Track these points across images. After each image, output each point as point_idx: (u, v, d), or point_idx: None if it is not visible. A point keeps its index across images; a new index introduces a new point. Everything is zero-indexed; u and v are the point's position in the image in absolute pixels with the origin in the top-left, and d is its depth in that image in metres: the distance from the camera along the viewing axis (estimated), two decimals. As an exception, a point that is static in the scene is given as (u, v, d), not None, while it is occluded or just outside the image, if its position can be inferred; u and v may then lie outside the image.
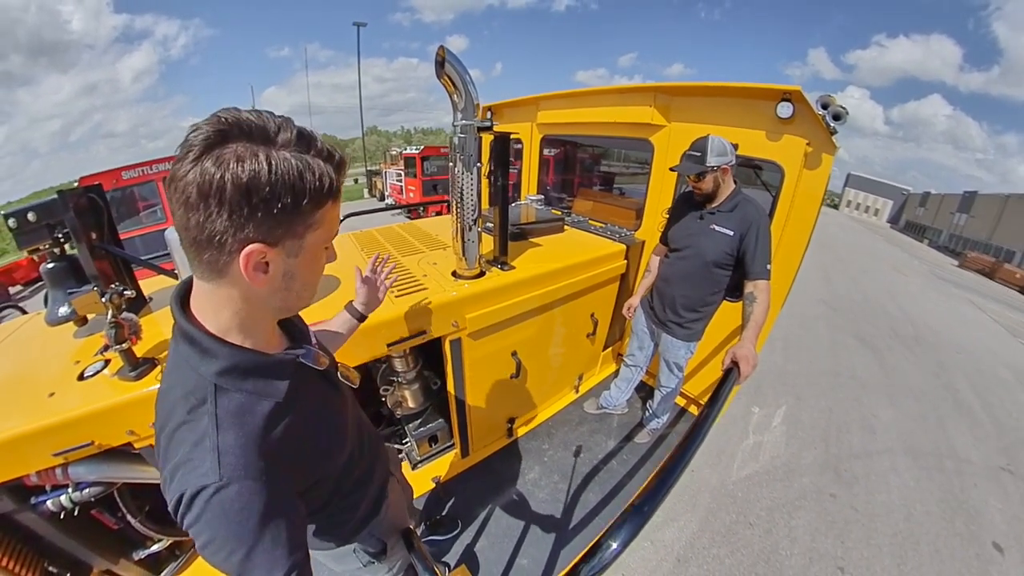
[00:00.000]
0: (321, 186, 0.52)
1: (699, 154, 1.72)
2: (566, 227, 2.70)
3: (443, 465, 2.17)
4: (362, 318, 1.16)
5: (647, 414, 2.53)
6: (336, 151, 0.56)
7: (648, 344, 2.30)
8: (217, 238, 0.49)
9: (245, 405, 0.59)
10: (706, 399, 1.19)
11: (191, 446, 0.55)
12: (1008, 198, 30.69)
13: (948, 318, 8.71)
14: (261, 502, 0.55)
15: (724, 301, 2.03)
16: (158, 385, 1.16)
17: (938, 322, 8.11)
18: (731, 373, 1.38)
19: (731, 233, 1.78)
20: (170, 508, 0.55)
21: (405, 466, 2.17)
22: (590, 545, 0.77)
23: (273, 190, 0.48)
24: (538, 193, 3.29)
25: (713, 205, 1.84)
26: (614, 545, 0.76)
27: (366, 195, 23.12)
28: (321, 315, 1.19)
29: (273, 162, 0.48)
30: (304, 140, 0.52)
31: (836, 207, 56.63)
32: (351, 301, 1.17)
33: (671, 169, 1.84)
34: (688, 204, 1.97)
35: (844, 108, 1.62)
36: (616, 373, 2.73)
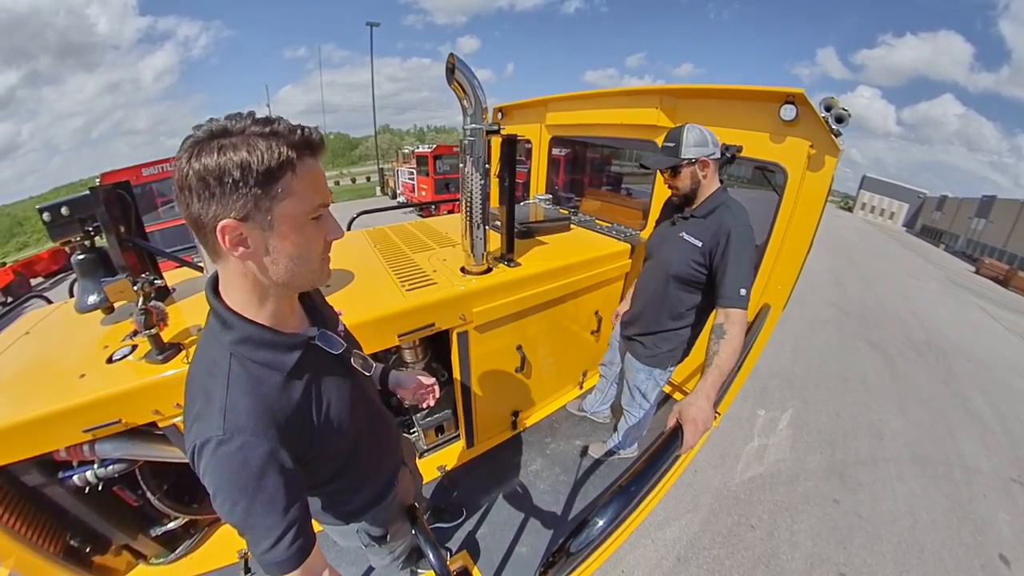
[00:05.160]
0: (270, 159, 0.56)
1: (672, 145, 1.48)
2: (573, 226, 2.74)
3: (449, 455, 2.22)
4: (384, 382, 1.21)
5: (612, 435, 2.29)
6: (302, 128, 0.60)
7: (617, 361, 2.15)
8: (198, 220, 0.58)
9: (255, 373, 0.67)
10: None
11: (205, 402, 0.64)
12: (1023, 204, 29.98)
13: (962, 325, 8.55)
14: (259, 458, 0.62)
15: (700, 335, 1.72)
16: (183, 368, 1.24)
17: (952, 329, 7.97)
18: (674, 436, 1.08)
19: (699, 244, 1.50)
20: (188, 459, 0.64)
21: (411, 456, 2.22)
22: (578, 523, 0.80)
23: (222, 170, 0.54)
24: (547, 193, 3.33)
25: (690, 208, 1.59)
26: (600, 522, 0.79)
27: (378, 192, 23.36)
28: (336, 307, 1.25)
29: (223, 148, 0.55)
30: (260, 123, 0.57)
31: (850, 210, 55.27)
32: (394, 369, 1.23)
33: (640, 165, 1.64)
34: (668, 206, 1.78)
35: (847, 110, 1.61)
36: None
